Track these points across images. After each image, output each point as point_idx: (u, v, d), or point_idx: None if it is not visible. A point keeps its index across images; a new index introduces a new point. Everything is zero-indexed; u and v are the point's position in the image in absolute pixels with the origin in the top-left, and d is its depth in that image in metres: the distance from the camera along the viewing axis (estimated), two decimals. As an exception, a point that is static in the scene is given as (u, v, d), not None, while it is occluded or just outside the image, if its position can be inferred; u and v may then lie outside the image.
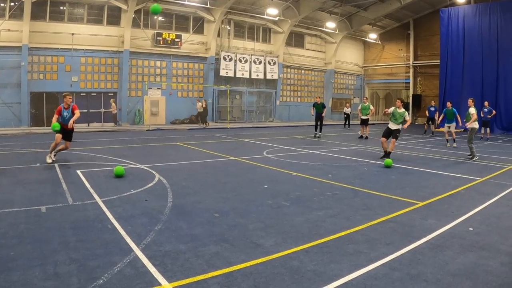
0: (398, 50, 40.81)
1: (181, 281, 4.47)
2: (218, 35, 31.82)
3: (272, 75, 34.74)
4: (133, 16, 26.82)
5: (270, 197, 8.42)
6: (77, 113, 12.31)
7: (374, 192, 9.09)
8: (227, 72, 31.94)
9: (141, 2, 26.88)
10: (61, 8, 25.15)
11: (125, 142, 17.71)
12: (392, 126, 14.27)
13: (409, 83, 40.19)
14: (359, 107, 22.78)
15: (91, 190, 8.54)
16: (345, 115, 32.40)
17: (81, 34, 25.50)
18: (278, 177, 10.77)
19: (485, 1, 30.31)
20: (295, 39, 37.87)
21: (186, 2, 27.69)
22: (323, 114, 22.21)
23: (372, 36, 41.17)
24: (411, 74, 39.88)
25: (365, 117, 22.13)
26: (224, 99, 32.32)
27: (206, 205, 7.67)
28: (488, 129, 23.20)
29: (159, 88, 29.26)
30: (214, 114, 32.13)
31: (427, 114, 26.39)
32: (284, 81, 36.84)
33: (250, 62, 33.23)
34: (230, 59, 32.06)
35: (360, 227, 6.56)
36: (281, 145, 17.83)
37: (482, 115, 23.07)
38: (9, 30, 22.95)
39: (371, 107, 22.54)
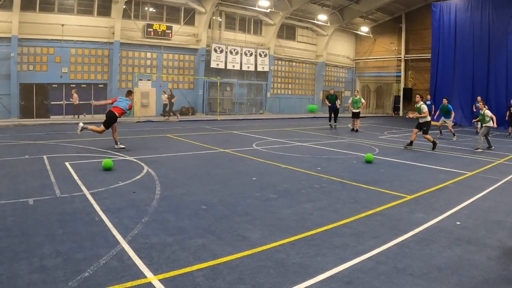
0: (390, 43, 40.83)
1: (166, 273, 4.48)
2: (209, 27, 31.65)
3: (263, 67, 34.65)
4: (124, 7, 26.55)
5: (258, 190, 8.43)
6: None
7: (363, 185, 9.12)
8: (217, 64, 31.81)
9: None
10: (51, -2, 24.91)
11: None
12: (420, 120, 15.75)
13: (400, 76, 40.24)
14: (350, 100, 22.81)
15: (79, 182, 8.50)
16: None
17: (71, 25, 25.20)
18: (266, 169, 10.77)
19: (477, -5, 30.38)
20: (287, 31, 37.77)
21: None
22: (338, 106, 23.76)
23: (364, 29, 41.11)
24: (402, 68, 39.94)
25: (357, 110, 22.17)
26: (214, 91, 32.21)
27: (194, 197, 7.67)
28: (479, 124, 23.36)
29: (150, 80, 29.11)
30: (205, 106, 32.02)
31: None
32: (275, 73, 36.76)
33: (241, 54, 33.12)
34: (221, 51, 31.94)
35: (348, 220, 6.59)
36: (271, 138, 17.83)
37: (474, 110, 23.40)
38: (-2, 20, 22.72)
39: (362, 100, 22.59)
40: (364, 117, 31.43)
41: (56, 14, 24.78)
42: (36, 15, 24.08)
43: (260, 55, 34.38)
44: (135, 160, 11.40)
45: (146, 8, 28.90)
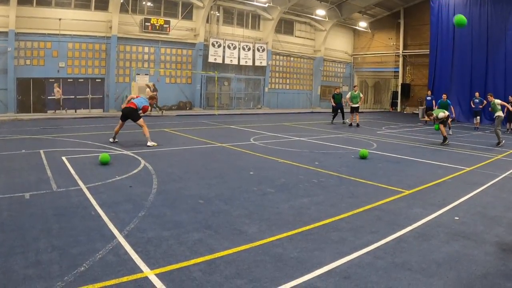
0: (388, 39, 40.74)
1: (163, 268, 4.45)
2: (207, 21, 31.49)
3: (261, 62, 34.56)
4: (121, 1, 26.40)
5: (255, 184, 8.41)
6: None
7: (360, 180, 9.10)
8: (215, 59, 31.70)
9: (129, -13, 26.55)
10: (48, -8, 24.75)
11: (111, 129, 17.54)
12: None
13: (398, 72, 40.17)
14: (348, 95, 22.78)
15: (76, 177, 8.46)
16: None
17: (69, 19, 25.03)
18: (264, 164, 10.75)
19: (475, -9, 30.31)
20: (285, 26, 37.64)
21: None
22: (344, 104, 23.93)
23: (362, 25, 41.01)
24: (400, 63, 39.84)
25: (356, 105, 22.18)
26: (212, 85, 32.11)
27: (191, 192, 7.64)
28: (478, 118, 23.47)
29: (147, 74, 28.97)
30: (202, 100, 31.94)
31: (424, 104, 26.70)
32: (273, 68, 36.65)
33: (239, 48, 33.01)
34: (219, 46, 31.83)
35: (345, 214, 6.57)
36: (268, 132, 17.79)
37: (473, 106, 23.47)
38: (-5, 15, 22.58)
39: (361, 95, 22.62)
40: (362, 112, 31.33)
41: (53, 8, 24.61)
42: (33, 9, 23.92)
43: (258, 50, 34.28)
44: (132, 154, 11.36)
45: (144, 2, 28.73)
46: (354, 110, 22.38)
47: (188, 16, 30.67)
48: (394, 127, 22.51)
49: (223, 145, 13.77)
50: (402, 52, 39.48)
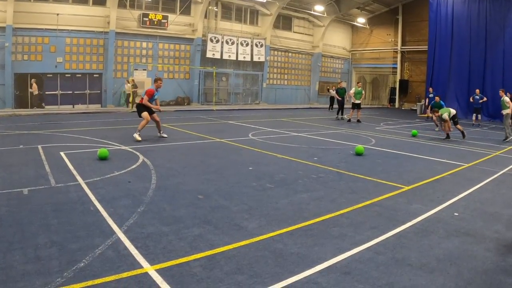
0: (386, 35, 40.70)
1: (163, 263, 4.43)
2: (205, 17, 31.41)
3: (259, 58, 34.49)
4: (119, -4, 26.37)
5: (254, 179, 8.39)
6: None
7: (360, 176, 9.09)
8: (213, 54, 31.62)
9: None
10: (46, -13, 24.64)
11: (109, 124, 17.55)
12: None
13: (396, 68, 40.17)
14: (352, 91, 22.74)
15: (74, 172, 8.43)
16: (331, 98, 32.26)
17: (66, 14, 24.93)
18: (263, 159, 10.74)
19: (474, -13, 30.28)
20: (283, 22, 37.56)
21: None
22: (347, 99, 24.06)
23: (361, 20, 40.96)
24: (398, 59, 39.85)
25: (358, 101, 22.11)
26: (210, 81, 32.05)
27: (190, 187, 7.62)
28: (479, 116, 23.48)
29: (145, 70, 28.91)
30: (200, 96, 31.89)
31: (427, 101, 26.76)
32: (271, 63, 36.61)
33: (237, 44, 32.93)
34: (217, 41, 31.74)
35: (345, 210, 6.56)
36: (267, 128, 17.76)
37: (471, 101, 23.55)
38: (-8, 10, 22.46)
39: (363, 92, 22.60)
40: (362, 108, 31.35)
41: (51, 3, 24.49)
42: (31, 4, 23.80)
43: (256, 45, 34.21)
44: (130, 149, 11.33)
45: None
46: (356, 106, 22.31)
47: (186, 11, 30.58)
48: (392, 123, 22.51)
49: (221, 140, 13.75)
50: (400, 48, 39.48)
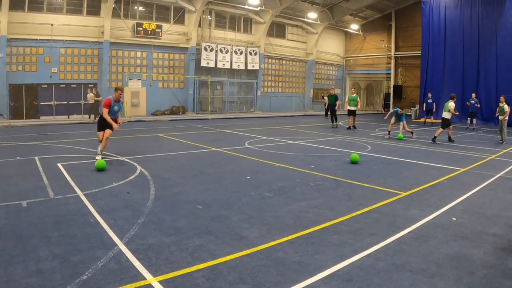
0: (380, 41, 40.95)
1: (166, 274, 4.44)
2: (199, 26, 31.53)
3: (253, 66, 34.61)
4: (113, 6, 26.37)
5: (253, 188, 8.41)
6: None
7: (357, 183, 9.13)
8: (208, 63, 31.73)
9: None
10: (40, -3, 24.68)
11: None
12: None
13: (390, 74, 40.39)
14: (346, 98, 22.81)
15: (72, 183, 8.42)
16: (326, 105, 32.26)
17: (61, 24, 24.99)
18: (260, 168, 10.76)
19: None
20: (277, 30, 37.74)
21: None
22: (336, 107, 22.98)
23: (354, 27, 41.20)
24: (392, 65, 40.09)
25: (353, 108, 22.12)
26: (205, 89, 32.13)
27: (189, 197, 7.63)
28: (474, 120, 23.54)
29: (140, 79, 28.96)
30: (195, 105, 31.93)
31: (424, 107, 26.93)
32: (265, 71, 36.73)
33: (231, 52, 33.06)
34: (211, 50, 31.85)
35: (344, 217, 6.59)
36: (263, 136, 17.80)
37: (468, 104, 23.70)
38: (-14, 21, 22.47)
39: (358, 99, 22.50)
40: (357, 115, 31.48)
41: (45, 13, 24.55)
42: (25, 14, 23.85)
43: (250, 54, 34.34)
44: (127, 160, 11.33)
45: (136, 7, 28.73)
46: (351, 113, 22.30)
47: (180, 20, 30.70)
48: (387, 129, 22.53)
49: (218, 149, 13.77)
50: (394, 54, 39.73)
